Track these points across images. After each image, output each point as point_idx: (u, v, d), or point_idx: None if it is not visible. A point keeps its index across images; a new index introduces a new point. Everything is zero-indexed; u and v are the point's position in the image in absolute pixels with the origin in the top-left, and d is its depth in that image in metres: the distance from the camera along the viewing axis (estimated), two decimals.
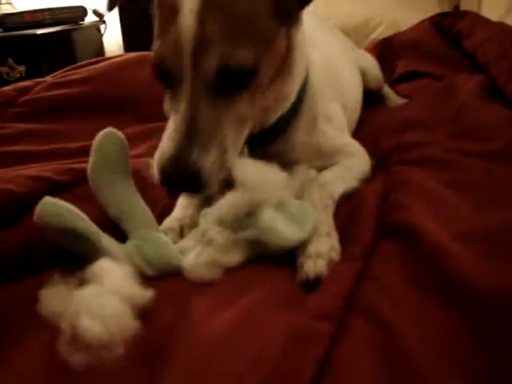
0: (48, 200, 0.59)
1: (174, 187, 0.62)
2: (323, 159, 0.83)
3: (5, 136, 1.04)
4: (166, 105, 0.65)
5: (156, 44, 0.63)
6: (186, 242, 0.65)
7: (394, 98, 1.46)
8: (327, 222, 0.66)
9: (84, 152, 0.96)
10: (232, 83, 0.61)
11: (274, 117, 0.77)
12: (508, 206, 0.68)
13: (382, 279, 0.56)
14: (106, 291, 0.52)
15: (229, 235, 0.61)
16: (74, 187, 0.76)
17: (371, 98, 1.34)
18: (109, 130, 0.68)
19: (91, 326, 0.47)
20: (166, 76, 0.62)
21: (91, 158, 0.67)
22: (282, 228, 0.61)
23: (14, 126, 1.08)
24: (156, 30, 0.65)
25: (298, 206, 0.66)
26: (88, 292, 0.52)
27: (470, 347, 0.46)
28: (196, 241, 0.63)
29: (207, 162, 0.59)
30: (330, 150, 0.84)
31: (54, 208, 0.58)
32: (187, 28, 0.58)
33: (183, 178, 0.59)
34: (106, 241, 0.61)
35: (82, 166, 0.69)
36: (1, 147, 0.99)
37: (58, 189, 0.74)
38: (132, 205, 0.67)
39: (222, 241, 0.60)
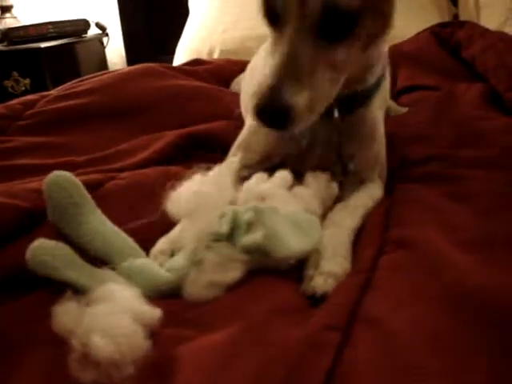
0: (35, 245, 0.60)
1: (266, 121, 0.63)
2: (372, 143, 0.85)
3: (12, 149, 1.04)
4: (270, 45, 0.67)
5: None
6: (175, 260, 0.64)
7: (395, 108, 1.47)
8: (345, 244, 0.67)
9: (91, 164, 0.98)
10: (334, 27, 0.62)
11: (362, 84, 0.79)
12: (509, 214, 0.68)
13: (386, 289, 0.56)
14: (117, 310, 0.52)
15: (222, 252, 0.61)
16: None
17: None
18: (51, 175, 0.66)
19: (103, 345, 0.47)
20: (273, 16, 0.65)
21: (47, 208, 0.66)
22: (286, 237, 0.61)
23: (20, 140, 1.08)
24: None
25: (306, 217, 0.66)
26: (100, 310, 0.52)
27: (475, 357, 0.46)
28: (187, 260, 0.63)
29: (299, 100, 0.60)
30: (384, 144, 0.87)
31: (41, 255, 0.59)
32: None
33: (275, 114, 0.61)
34: (99, 278, 0.59)
35: (87, 177, 0.69)
36: (8, 160, 0.99)
37: None
38: (107, 240, 0.65)
39: (217, 259, 0.60)
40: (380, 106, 0.89)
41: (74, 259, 0.62)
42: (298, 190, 0.73)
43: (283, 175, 0.75)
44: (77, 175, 0.68)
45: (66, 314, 0.52)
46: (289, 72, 0.60)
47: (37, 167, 0.97)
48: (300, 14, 0.61)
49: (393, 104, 1.48)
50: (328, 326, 0.50)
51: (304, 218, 0.65)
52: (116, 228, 0.68)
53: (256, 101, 0.61)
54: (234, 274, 0.61)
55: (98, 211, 0.68)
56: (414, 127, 1.13)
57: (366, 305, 0.54)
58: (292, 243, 0.61)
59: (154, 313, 0.54)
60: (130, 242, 0.67)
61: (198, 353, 0.50)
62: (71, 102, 1.22)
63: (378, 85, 0.83)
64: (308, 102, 0.61)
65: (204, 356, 0.49)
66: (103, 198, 0.70)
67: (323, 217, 0.73)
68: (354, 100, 0.80)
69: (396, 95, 1.52)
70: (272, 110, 0.61)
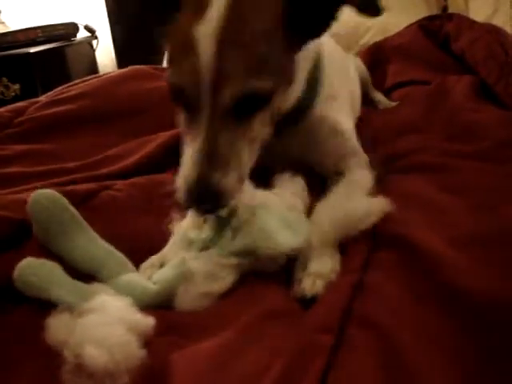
0: (22, 265, 0.60)
1: (199, 207, 0.63)
2: (335, 139, 0.86)
3: (1, 157, 1.04)
4: (182, 125, 0.68)
5: (172, 72, 0.65)
6: (162, 272, 0.64)
7: (384, 101, 1.47)
8: (330, 243, 0.66)
9: (82, 170, 0.98)
10: (248, 109, 0.64)
11: (287, 106, 0.78)
12: (502, 209, 0.68)
13: (379, 290, 0.56)
14: (110, 320, 0.52)
15: (211, 260, 0.61)
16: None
17: (363, 102, 1.35)
18: (34, 195, 0.66)
19: (96, 355, 0.47)
20: (184, 102, 0.65)
21: (33, 227, 0.66)
22: (274, 232, 0.62)
23: (10, 148, 1.08)
24: (169, 58, 0.67)
25: (295, 215, 0.66)
26: (92, 320, 0.52)
27: (470, 356, 0.46)
28: (174, 270, 0.63)
29: (228, 182, 0.61)
30: (341, 132, 0.87)
31: (27, 275, 0.59)
32: (206, 61, 0.60)
33: (207, 199, 0.61)
34: (88, 294, 0.59)
35: (80, 187, 0.69)
36: None
37: None
38: (95, 256, 0.65)
39: (206, 268, 0.60)
40: (328, 98, 0.87)
41: (62, 277, 0.61)
42: (277, 190, 0.73)
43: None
44: (69, 183, 0.68)
45: (58, 325, 0.52)
46: (212, 158, 0.61)
47: (28, 175, 0.97)
48: (213, 104, 0.61)
49: (382, 97, 1.49)
50: (320, 328, 0.50)
51: (293, 216, 0.65)
52: (104, 243, 0.67)
53: (185, 189, 0.61)
54: (224, 282, 0.61)
55: (85, 227, 0.67)
56: (405, 119, 1.13)
57: (359, 306, 0.54)
58: (280, 239, 0.61)
59: (147, 321, 0.54)
60: (119, 257, 0.66)
61: (192, 360, 0.50)
62: (61, 108, 1.22)
63: (312, 88, 0.83)
64: (235, 178, 0.63)
65: (198, 363, 0.49)
66: (97, 209, 0.70)
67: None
68: (288, 119, 0.79)
69: (386, 91, 1.52)
70: (204, 198, 0.61)
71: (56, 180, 0.91)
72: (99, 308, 0.54)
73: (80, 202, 0.73)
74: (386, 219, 0.69)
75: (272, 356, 0.48)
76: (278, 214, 0.65)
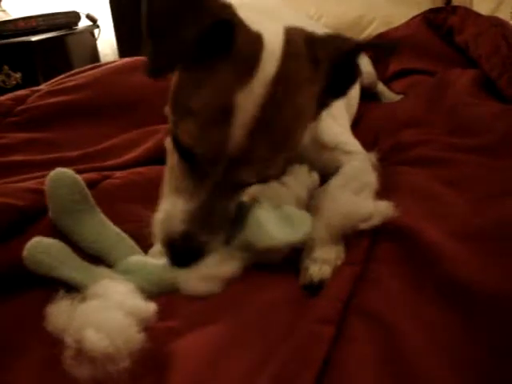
0: (32, 244, 0.60)
1: (181, 263, 0.61)
2: (327, 154, 0.84)
3: (3, 146, 1.04)
4: (176, 168, 0.64)
5: (193, 134, 0.57)
6: None
7: (388, 94, 1.47)
8: (335, 229, 0.66)
9: (85, 160, 0.98)
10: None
11: None
12: (503, 202, 0.68)
13: (381, 282, 0.56)
14: (110, 305, 0.52)
15: (221, 250, 0.61)
16: None
17: (365, 95, 1.35)
18: (55, 172, 0.66)
19: (97, 340, 0.47)
20: (192, 160, 0.60)
21: (48, 205, 0.66)
22: (270, 227, 0.62)
23: (12, 136, 1.07)
24: (187, 111, 0.57)
25: (297, 212, 0.66)
26: (92, 306, 0.52)
27: (472, 348, 0.46)
28: None
29: (213, 244, 0.61)
30: (333, 145, 0.85)
31: (37, 254, 0.60)
32: (239, 135, 0.55)
33: (189, 256, 0.60)
34: (96, 276, 0.60)
35: (82, 177, 0.69)
36: (0, 157, 0.99)
37: None
38: (105, 238, 0.66)
39: (216, 256, 0.61)
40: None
41: (71, 257, 0.62)
42: (286, 179, 0.73)
43: None
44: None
45: (59, 312, 0.53)
46: (205, 221, 0.59)
47: (29, 163, 0.97)
48: (227, 177, 0.58)
49: (386, 90, 1.48)
50: (321, 319, 0.50)
51: (294, 213, 0.66)
52: (114, 227, 0.68)
53: (168, 240, 0.59)
54: (229, 267, 0.61)
55: (98, 210, 0.68)
56: (407, 113, 1.13)
57: (361, 298, 0.55)
58: (275, 234, 0.61)
59: (149, 307, 0.55)
60: (128, 241, 0.68)
61: (195, 346, 0.50)
62: (62, 98, 1.21)
63: None
64: (223, 238, 0.62)
65: (201, 348, 0.50)
66: (98, 198, 0.70)
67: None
68: None
69: (388, 81, 1.52)
70: (185, 256, 0.60)
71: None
72: (101, 293, 0.54)
73: None
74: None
75: (272, 346, 0.49)
76: (278, 209, 0.66)
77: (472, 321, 0.48)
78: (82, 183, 0.67)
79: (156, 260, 0.64)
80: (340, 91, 0.67)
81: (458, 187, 0.75)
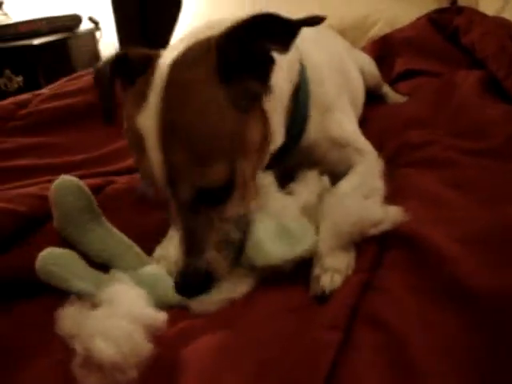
0: (43, 255, 0.60)
1: (194, 295, 0.61)
2: (339, 151, 0.83)
3: (6, 150, 1.03)
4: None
5: (136, 164, 0.62)
6: None
7: (393, 96, 1.45)
8: (346, 236, 0.64)
9: (89, 164, 0.97)
10: (213, 198, 0.61)
11: (274, 147, 0.73)
12: (508, 205, 0.67)
13: (387, 288, 0.56)
14: (119, 313, 0.52)
15: (233, 271, 0.61)
16: None
17: (370, 97, 1.34)
18: (60, 180, 0.66)
19: (105, 348, 0.47)
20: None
21: (53, 213, 0.66)
22: (268, 245, 0.61)
23: (14, 140, 1.07)
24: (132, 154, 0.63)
25: (299, 225, 0.65)
26: (102, 314, 0.52)
27: (479, 354, 0.45)
28: None
29: (215, 264, 0.60)
30: (345, 142, 0.84)
31: (48, 265, 0.59)
32: (156, 161, 0.57)
33: (197, 287, 0.60)
34: (107, 284, 0.59)
35: (87, 182, 0.68)
36: (2, 162, 0.98)
37: None
38: (112, 247, 0.65)
39: (228, 277, 0.60)
40: (323, 112, 0.82)
41: (81, 267, 0.61)
42: (295, 186, 0.72)
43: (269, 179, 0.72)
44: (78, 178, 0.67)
45: (69, 318, 0.52)
46: (193, 246, 0.59)
47: (33, 168, 0.96)
48: (177, 199, 0.59)
49: (391, 92, 1.47)
50: (328, 325, 0.50)
51: (295, 227, 0.64)
52: (121, 234, 0.67)
53: (175, 280, 0.60)
54: (244, 287, 0.60)
55: (103, 218, 0.67)
56: (413, 114, 1.12)
57: (368, 304, 0.54)
58: (273, 251, 0.60)
59: (158, 315, 0.54)
60: (135, 248, 0.67)
61: (201, 353, 0.50)
62: (65, 101, 1.21)
63: (299, 115, 0.78)
64: (224, 256, 0.61)
65: (207, 356, 0.49)
66: (102, 204, 0.69)
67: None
68: (283, 148, 0.75)
69: (393, 82, 1.51)
70: (194, 288, 0.60)
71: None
72: (111, 299, 0.54)
73: None
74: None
75: (280, 351, 0.48)
76: (279, 224, 0.64)
77: (480, 327, 0.47)
78: (88, 191, 0.67)
79: (166, 276, 0.62)
80: (261, 73, 0.63)
81: (466, 190, 0.75)
